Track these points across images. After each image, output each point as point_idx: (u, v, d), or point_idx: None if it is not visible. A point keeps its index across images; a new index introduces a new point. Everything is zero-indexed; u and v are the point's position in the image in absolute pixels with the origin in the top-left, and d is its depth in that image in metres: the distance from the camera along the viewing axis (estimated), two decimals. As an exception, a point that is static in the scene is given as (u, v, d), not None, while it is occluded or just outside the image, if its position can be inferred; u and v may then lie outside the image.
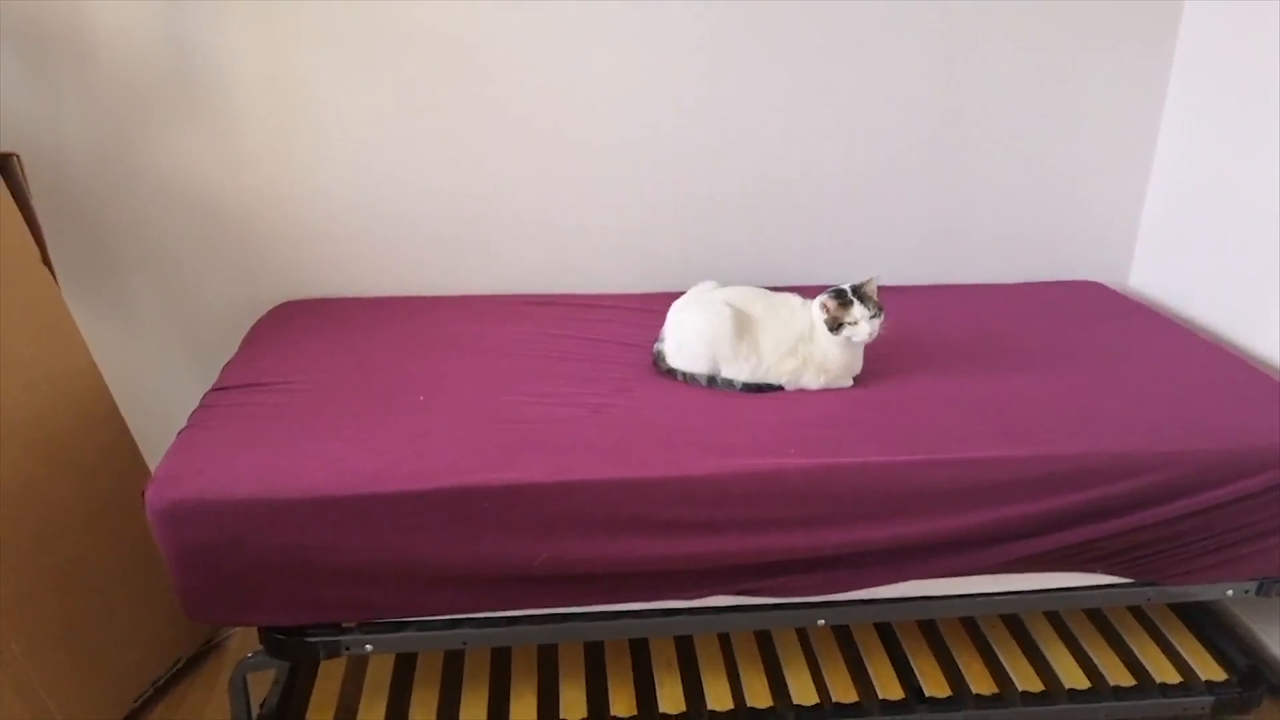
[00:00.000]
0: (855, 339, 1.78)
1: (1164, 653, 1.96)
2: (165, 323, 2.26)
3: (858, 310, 1.78)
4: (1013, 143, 2.35)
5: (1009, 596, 1.77)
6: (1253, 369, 1.92)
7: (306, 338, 2.02)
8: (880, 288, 1.83)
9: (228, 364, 1.92)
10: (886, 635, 2.03)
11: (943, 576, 1.68)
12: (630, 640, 2.00)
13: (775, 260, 2.39)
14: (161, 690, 1.95)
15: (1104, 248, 2.51)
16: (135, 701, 1.88)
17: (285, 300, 2.27)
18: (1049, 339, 2.09)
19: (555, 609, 1.64)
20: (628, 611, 1.68)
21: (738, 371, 1.83)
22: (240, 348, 2.00)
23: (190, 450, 1.58)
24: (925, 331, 2.11)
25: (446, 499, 1.50)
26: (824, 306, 1.80)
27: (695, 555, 1.58)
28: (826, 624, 1.73)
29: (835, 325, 1.78)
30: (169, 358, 2.25)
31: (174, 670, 1.97)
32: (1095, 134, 2.37)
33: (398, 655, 1.95)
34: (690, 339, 1.85)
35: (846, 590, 1.66)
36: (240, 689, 1.66)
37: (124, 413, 1.96)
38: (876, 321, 1.78)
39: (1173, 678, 1.90)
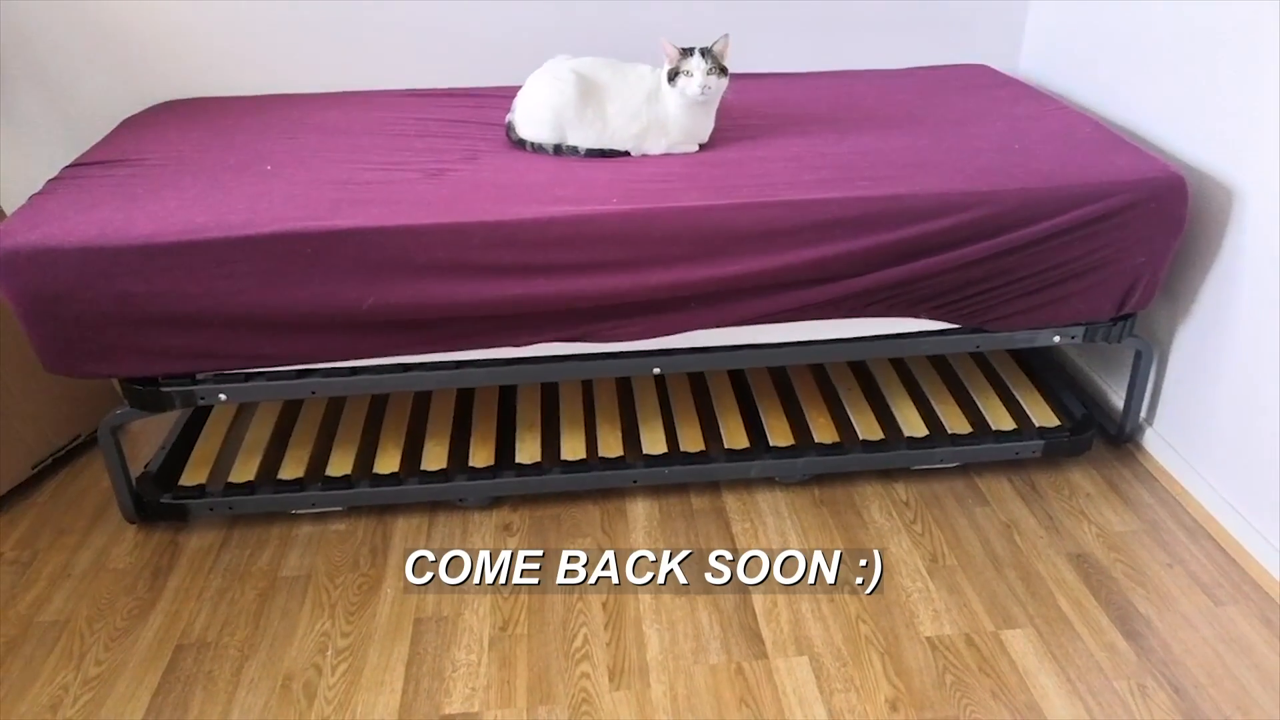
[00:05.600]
0: (687, 92, 1.80)
1: (1004, 404, 2.06)
2: (50, 125, 2.29)
3: (694, 61, 1.79)
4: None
5: (847, 343, 1.84)
6: (1102, 127, 1.94)
7: (175, 126, 2.06)
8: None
9: (92, 146, 1.96)
10: (740, 389, 2.14)
11: (767, 318, 1.75)
12: (500, 399, 2.11)
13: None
14: (62, 461, 2.08)
15: (993, 34, 2.49)
16: (33, 469, 2.01)
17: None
18: (911, 109, 2.10)
19: (394, 357, 1.73)
20: (466, 361, 1.77)
21: (583, 138, 1.86)
22: (109, 134, 2.04)
23: (33, 210, 1.64)
24: (794, 108, 2.12)
25: (270, 244, 1.57)
26: (667, 54, 1.82)
27: (520, 298, 1.65)
28: (662, 371, 1.82)
29: (673, 75, 1.80)
30: (52, 155, 2.29)
31: (73, 445, 2.09)
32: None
33: (277, 420, 2.07)
34: (536, 106, 1.87)
35: (671, 333, 1.74)
36: (109, 439, 1.78)
37: (8, 204, 2.03)
38: (713, 79, 1.80)
39: (1008, 425, 2.00)
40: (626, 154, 1.88)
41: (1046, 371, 2.16)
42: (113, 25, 2.22)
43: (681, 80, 1.79)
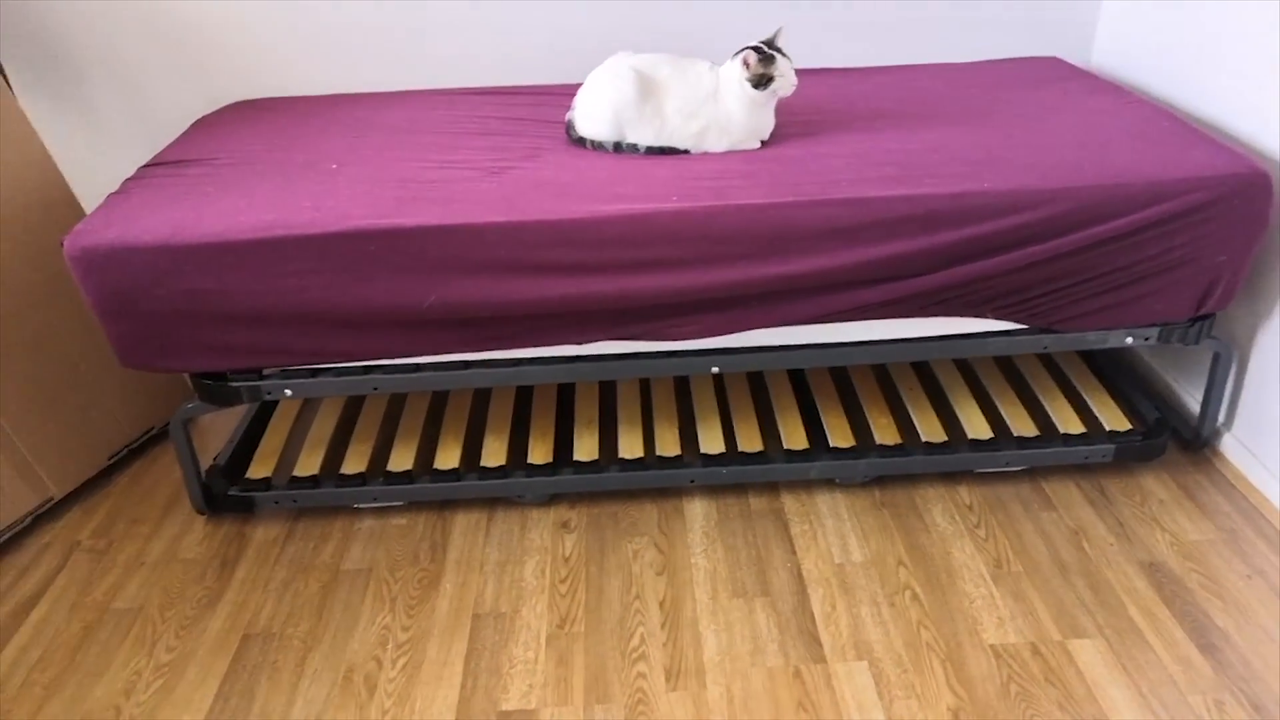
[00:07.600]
0: (782, 92, 1.80)
1: (1074, 406, 2.00)
2: (127, 126, 2.37)
3: (782, 63, 1.78)
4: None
5: (910, 344, 1.80)
6: (1180, 121, 1.87)
7: (245, 126, 2.10)
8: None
9: (167, 146, 2.01)
10: (800, 389, 2.11)
11: (828, 318, 1.72)
12: (558, 397, 2.12)
13: (728, 50, 2.37)
14: (136, 452, 2.15)
15: (1065, 25, 2.42)
16: (109, 460, 2.08)
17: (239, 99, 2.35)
18: (981, 103, 2.05)
19: (453, 355, 1.74)
20: (526, 359, 1.78)
21: (642, 135, 1.86)
22: (182, 134, 2.09)
23: (110, 209, 1.69)
24: (858, 104, 2.09)
25: (335, 242, 1.59)
26: (745, 63, 1.80)
27: (578, 297, 1.65)
28: (720, 370, 1.80)
29: (762, 81, 1.78)
30: (130, 155, 2.37)
31: (146, 437, 2.16)
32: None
33: (340, 416, 2.11)
34: (595, 104, 1.87)
35: (730, 332, 1.73)
36: (180, 432, 1.82)
37: (89, 203, 2.10)
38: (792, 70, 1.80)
39: (1077, 428, 1.94)
40: (686, 152, 1.87)
41: (1117, 373, 2.10)
42: (187, 29, 2.28)
43: (777, 81, 1.79)
